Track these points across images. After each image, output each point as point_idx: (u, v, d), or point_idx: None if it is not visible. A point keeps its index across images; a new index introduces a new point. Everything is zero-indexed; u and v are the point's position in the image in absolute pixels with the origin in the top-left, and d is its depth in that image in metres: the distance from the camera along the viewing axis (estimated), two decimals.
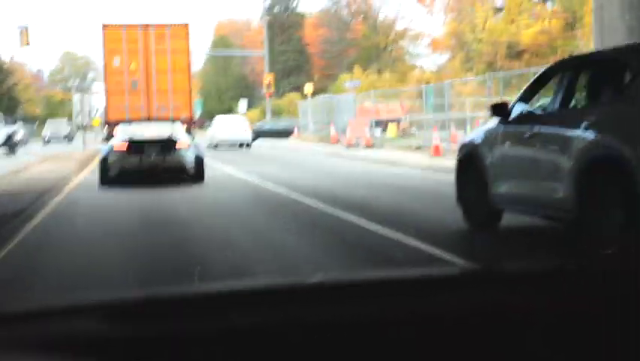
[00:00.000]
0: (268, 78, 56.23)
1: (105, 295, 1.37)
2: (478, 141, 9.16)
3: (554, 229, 8.34)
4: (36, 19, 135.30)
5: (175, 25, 25.19)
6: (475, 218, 9.02)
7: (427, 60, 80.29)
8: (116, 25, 24.98)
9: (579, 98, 8.13)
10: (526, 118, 8.25)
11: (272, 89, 57.01)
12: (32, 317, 1.19)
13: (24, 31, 44.76)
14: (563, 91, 7.76)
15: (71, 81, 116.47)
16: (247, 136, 37.89)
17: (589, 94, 7.73)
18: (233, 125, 37.60)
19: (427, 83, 59.04)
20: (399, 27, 77.90)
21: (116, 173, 17.80)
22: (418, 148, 26.99)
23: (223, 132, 37.21)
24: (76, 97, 40.62)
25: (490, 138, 8.84)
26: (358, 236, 9.18)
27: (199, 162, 18.23)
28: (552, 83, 8.39)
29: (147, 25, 25.09)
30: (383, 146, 30.22)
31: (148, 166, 17.77)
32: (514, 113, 8.48)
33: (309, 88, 46.97)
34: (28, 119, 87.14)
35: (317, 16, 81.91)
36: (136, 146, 17.80)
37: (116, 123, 19.69)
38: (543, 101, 8.92)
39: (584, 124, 6.89)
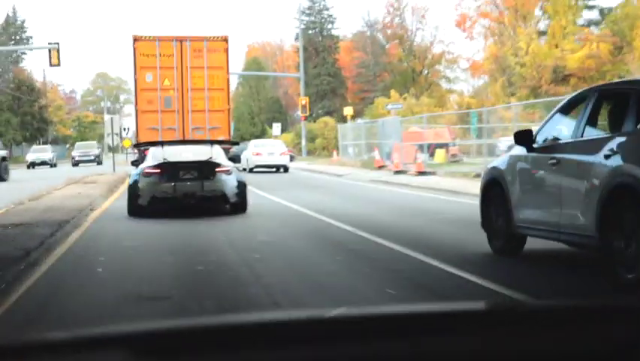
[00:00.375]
0: (304, 100, 53.86)
1: (130, 327, 1.37)
2: (502, 167, 9.21)
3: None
4: (71, 40, 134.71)
5: (213, 37, 22.77)
6: (497, 243, 9.07)
7: (464, 85, 77.55)
8: (148, 37, 22.61)
9: (602, 126, 8.04)
10: (549, 145, 8.29)
11: (307, 112, 54.61)
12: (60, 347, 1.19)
13: (54, 50, 42.79)
14: (587, 118, 7.82)
15: (103, 103, 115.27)
16: (285, 160, 35.41)
17: (612, 122, 7.72)
18: (270, 148, 35.15)
19: (468, 107, 56.51)
20: (435, 50, 75.40)
21: (147, 201, 15.30)
22: (478, 176, 24.20)
23: (260, 156, 34.77)
24: (107, 118, 38.41)
25: (513, 164, 8.93)
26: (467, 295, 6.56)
27: (241, 189, 15.69)
28: (576, 111, 8.30)
29: (183, 38, 22.70)
30: (435, 172, 27.50)
31: (183, 193, 15.24)
32: (539, 141, 8.51)
33: (349, 111, 44.49)
34: (60, 141, 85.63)
35: (352, 39, 79.67)
36: (170, 170, 15.30)
37: (148, 145, 17.26)
38: (567, 128, 8.45)
39: (606, 152, 7.04)
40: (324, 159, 51.97)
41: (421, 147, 32.79)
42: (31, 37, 76.57)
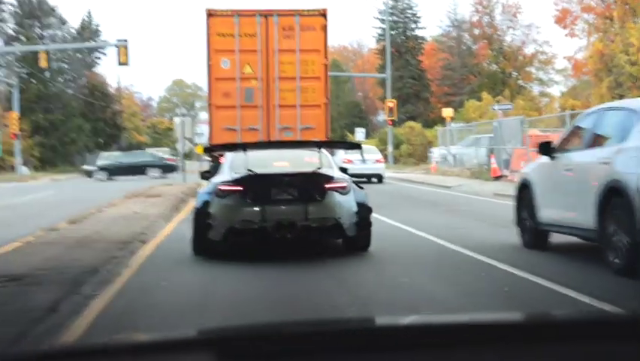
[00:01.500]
0: (391, 103, 48.08)
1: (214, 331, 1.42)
2: (531, 172, 10.72)
3: None
4: (149, 45, 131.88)
5: (307, 11, 17.18)
6: (526, 238, 10.34)
7: (558, 88, 70.56)
8: (225, 11, 17.12)
9: (602, 138, 9.08)
10: (565, 155, 9.59)
11: (394, 116, 48.79)
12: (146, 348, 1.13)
13: (122, 48, 38.05)
14: (592, 132, 9.31)
15: (178, 109, 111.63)
16: (380, 168, 29.71)
17: (608, 135, 9.00)
18: (366, 155, 29.43)
19: (573, 110, 49.81)
20: (527, 51, 68.61)
21: (222, 234, 9.82)
22: None
23: (351, 163, 29.04)
24: (177, 120, 33.35)
25: (537, 169, 10.47)
26: None
27: (364, 215, 10.11)
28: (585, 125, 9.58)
29: (269, 12, 17.17)
30: None
31: (277, 223, 9.73)
32: (559, 150, 9.73)
33: (448, 112, 38.51)
34: (134, 148, 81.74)
35: (437, 39, 73.45)
36: (257, 187, 9.83)
37: (224, 149, 11.68)
38: (580, 140, 9.54)
39: (603, 159, 8.44)
40: (414, 167, 46.05)
41: None
42: (108, 46, 72.82)
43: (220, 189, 9.95)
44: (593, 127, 9.31)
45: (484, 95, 58.87)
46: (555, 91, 70.97)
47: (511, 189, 23.40)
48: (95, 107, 67.28)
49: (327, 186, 9.90)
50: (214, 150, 12.09)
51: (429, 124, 65.40)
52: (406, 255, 10.06)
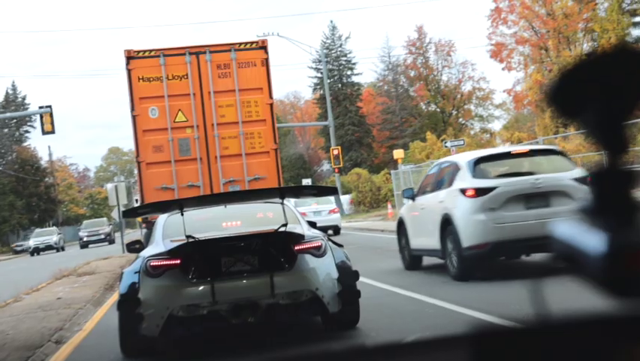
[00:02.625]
0: (336, 150, 45.85)
1: None
2: (403, 211, 13.92)
3: None
4: (83, 117, 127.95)
5: (245, 44, 14.64)
6: (406, 262, 13.23)
7: (499, 122, 69.49)
8: (148, 51, 14.43)
9: (440, 184, 11.93)
10: (420, 197, 12.76)
11: (340, 164, 46.52)
12: None
13: (46, 115, 34.94)
14: (435, 179, 12.31)
15: (116, 178, 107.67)
16: (336, 219, 27.13)
17: (444, 181, 11.85)
18: (315, 206, 26.82)
19: (519, 142, 48.30)
20: (464, 88, 67.50)
21: (159, 328, 7.07)
22: None
23: (305, 216, 26.29)
24: (109, 187, 30.42)
25: (407, 209, 13.67)
26: None
27: (349, 281, 7.47)
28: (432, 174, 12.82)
29: (200, 49, 14.57)
30: None
31: (233, 306, 7.06)
32: (418, 193, 13.06)
33: (399, 154, 36.31)
34: (72, 222, 77.57)
35: (374, 84, 72.00)
36: (201, 256, 7.18)
37: (153, 209, 8.79)
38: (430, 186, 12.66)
39: (440, 199, 11.52)
40: (366, 214, 43.63)
41: None
42: (33, 115, 69.26)
43: (151, 266, 7.20)
44: (436, 176, 12.44)
45: (429, 135, 57.20)
46: (496, 126, 69.97)
47: None
48: (27, 183, 63.42)
49: (296, 247, 7.25)
50: (137, 213, 9.28)
51: (374, 169, 63.36)
52: (408, 328, 7.45)
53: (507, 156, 11.84)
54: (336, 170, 46.76)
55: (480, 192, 10.54)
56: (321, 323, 7.74)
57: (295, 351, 1.55)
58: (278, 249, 7.25)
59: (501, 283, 10.07)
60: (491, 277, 10.55)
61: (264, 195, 7.96)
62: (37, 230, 49.47)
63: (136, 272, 7.30)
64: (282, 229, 7.18)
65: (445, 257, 11.17)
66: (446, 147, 33.66)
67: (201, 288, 7.03)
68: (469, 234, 10.55)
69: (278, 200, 7.59)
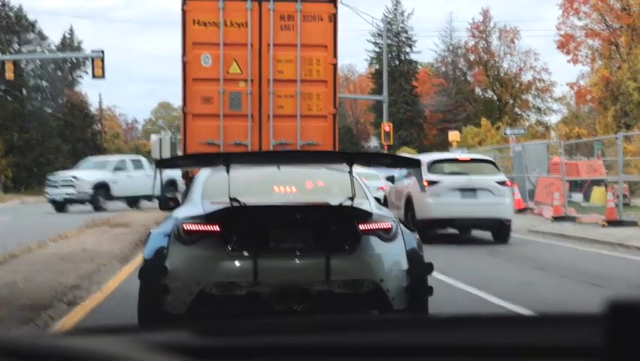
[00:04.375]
0: (387, 127, 44.24)
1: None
2: (388, 190, 17.56)
3: None
4: (135, 68, 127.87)
5: None
6: None
7: (556, 116, 66.92)
8: None
9: (408, 174, 15.74)
10: (398, 181, 16.91)
11: (391, 140, 44.91)
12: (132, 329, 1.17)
13: (98, 60, 34.03)
14: (407, 171, 15.19)
15: (164, 132, 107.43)
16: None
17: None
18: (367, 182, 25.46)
19: (578, 138, 46.18)
20: (525, 78, 65.09)
21: (186, 305, 5.78)
22: None
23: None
24: (154, 138, 29.42)
25: (390, 189, 17.45)
26: None
27: (419, 275, 6.09)
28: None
29: None
30: (637, 221, 17.44)
31: (280, 289, 5.76)
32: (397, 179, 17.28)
33: (455, 136, 34.64)
34: None
35: (431, 65, 69.97)
36: (245, 226, 5.86)
37: (195, 162, 7.44)
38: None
39: (406, 185, 16.20)
40: None
41: (576, 184, 22.96)
42: (87, 60, 68.77)
43: (185, 230, 5.91)
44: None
45: (484, 121, 55.26)
46: (553, 119, 67.50)
47: (543, 225, 19.57)
48: (74, 127, 63.02)
49: (362, 227, 5.89)
50: (174, 164, 7.94)
51: (423, 150, 61.67)
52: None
53: (455, 160, 16.37)
54: (386, 146, 45.15)
55: (431, 183, 14.48)
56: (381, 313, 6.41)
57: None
58: (339, 227, 5.90)
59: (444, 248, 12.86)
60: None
61: (329, 159, 6.60)
62: None
63: (166, 235, 6.03)
64: (348, 203, 5.81)
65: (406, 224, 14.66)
66: (506, 134, 31.96)
67: (242, 264, 5.74)
68: (420, 210, 14.90)
69: (344, 167, 6.23)
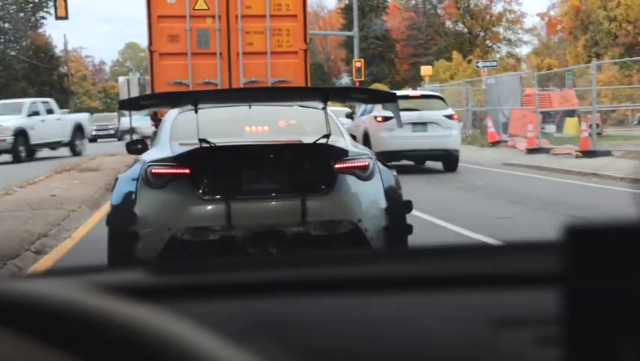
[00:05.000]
0: (358, 63, 43.72)
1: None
2: (349, 126, 15.94)
3: None
4: (101, 8, 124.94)
5: None
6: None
7: (527, 48, 66.67)
8: None
9: (365, 111, 17.93)
10: (356, 117, 18.98)
11: (362, 77, 44.44)
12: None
13: (60, 0, 32.91)
14: (364, 108, 17.85)
15: (131, 74, 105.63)
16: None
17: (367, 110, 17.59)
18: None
19: (549, 69, 46.04)
20: (495, 9, 64.53)
21: (157, 251, 5.55)
22: None
23: None
24: (121, 80, 28.74)
25: (350, 125, 17.66)
26: None
27: (398, 213, 5.88)
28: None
29: None
30: (611, 151, 17.43)
31: (254, 232, 5.53)
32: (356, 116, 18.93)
33: (427, 70, 34.33)
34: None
35: None
36: (217, 167, 5.59)
37: (163, 101, 7.15)
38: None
39: (363, 120, 17.53)
40: None
41: (549, 115, 22.91)
42: (49, 2, 66.77)
43: (153, 173, 5.65)
44: (364, 106, 17.19)
45: (455, 54, 54.90)
46: (523, 51, 67.33)
47: (517, 158, 19.53)
48: (40, 70, 61.60)
49: (338, 166, 5.67)
50: (139, 105, 7.61)
51: (394, 86, 61.24)
52: None
53: (407, 97, 16.79)
54: (357, 83, 44.70)
55: (385, 119, 15.49)
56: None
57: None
58: (314, 166, 5.67)
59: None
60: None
61: (303, 96, 6.32)
62: None
63: (133, 179, 5.76)
64: (323, 140, 5.57)
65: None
66: (477, 67, 31.73)
67: (214, 207, 5.51)
68: (376, 144, 15.31)
69: (318, 104, 5.96)
